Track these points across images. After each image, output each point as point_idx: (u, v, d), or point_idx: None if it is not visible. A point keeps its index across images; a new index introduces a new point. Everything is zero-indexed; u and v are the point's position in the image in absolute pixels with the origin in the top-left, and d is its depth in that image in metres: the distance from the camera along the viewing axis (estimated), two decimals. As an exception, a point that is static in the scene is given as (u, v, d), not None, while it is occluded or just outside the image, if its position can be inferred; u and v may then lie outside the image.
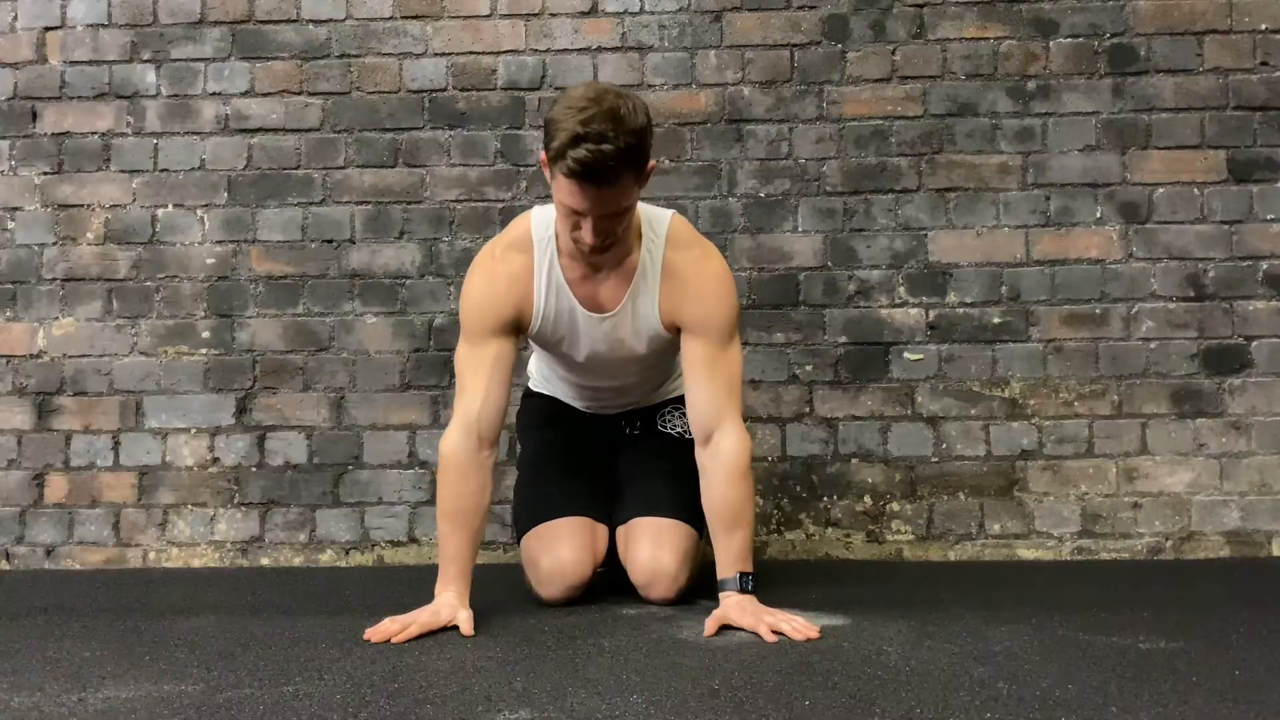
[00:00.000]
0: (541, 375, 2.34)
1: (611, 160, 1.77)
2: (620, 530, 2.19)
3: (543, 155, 1.85)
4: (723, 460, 1.95)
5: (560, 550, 2.10)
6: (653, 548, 2.10)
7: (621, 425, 2.32)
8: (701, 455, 1.99)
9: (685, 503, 2.10)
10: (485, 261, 2.04)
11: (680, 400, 2.27)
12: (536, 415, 2.36)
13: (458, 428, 1.96)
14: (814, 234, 2.73)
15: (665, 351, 2.11)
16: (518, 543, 2.20)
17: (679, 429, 2.27)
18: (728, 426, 1.96)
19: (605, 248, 1.91)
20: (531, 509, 2.20)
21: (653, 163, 1.88)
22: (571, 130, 1.77)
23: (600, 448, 2.30)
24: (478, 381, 1.97)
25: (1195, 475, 2.66)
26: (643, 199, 1.99)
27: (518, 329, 2.03)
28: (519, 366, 2.25)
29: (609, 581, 2.24)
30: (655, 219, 2.03)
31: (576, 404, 2.32)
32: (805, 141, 2.74)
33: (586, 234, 1.86)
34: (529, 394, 2.40)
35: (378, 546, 2.74)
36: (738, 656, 1.67)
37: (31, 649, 1.80)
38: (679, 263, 2.01)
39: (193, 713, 1.41)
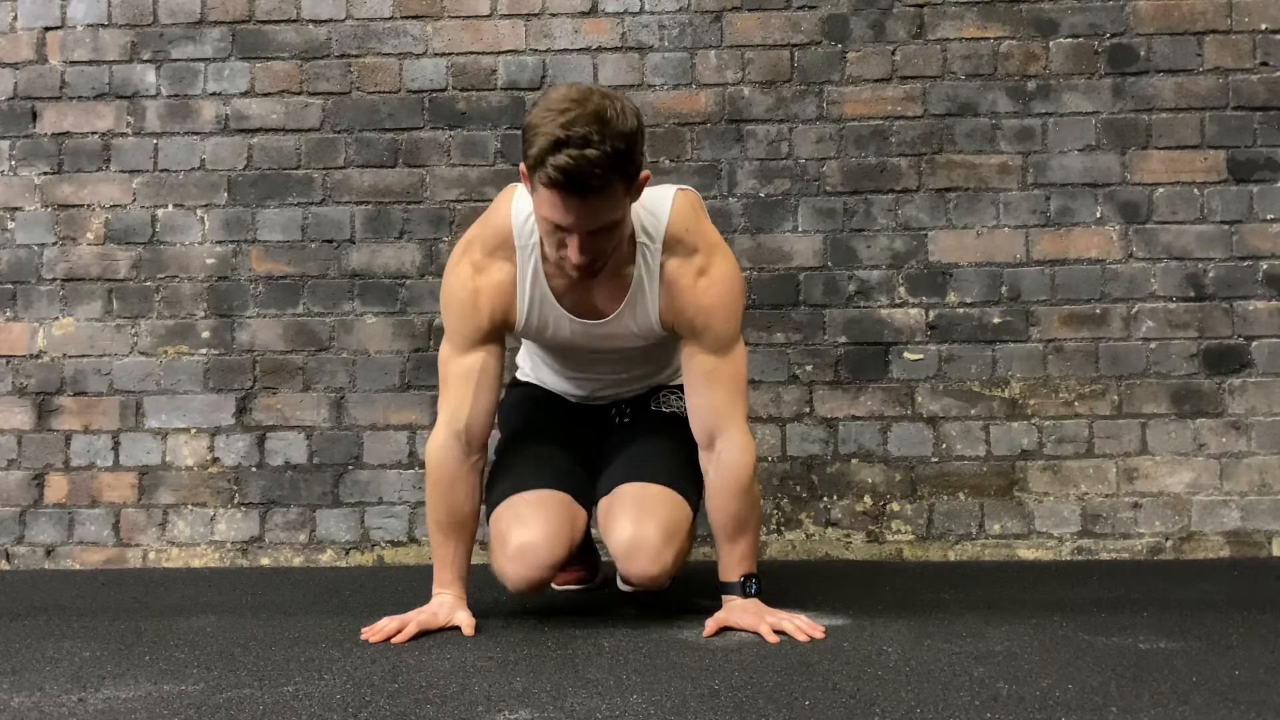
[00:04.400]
0: (530, 364, 2.18)
1: (598, 167, 1.59)
2: (603, 503, 1.98)
3: (522, 166, 1.68)
4: (724, 472, 1.86)
5: (533, 524, 1.88)
6: (636, 514, 1.89)
7: (611, 413, 2.13)
8: (704, 459, 1.89)
9: (678, 471, 1.94)
10: (464, 266, 1.88)
11: (676, 387, 2.11)
12: (520, 403, 2.17)
13: (444, 433, 1.87)
14: (814, 234, 2.73)
15: (667, 344, 1.99)
16: (486, 519, 1.98)
17: (674, 407, 2.08)
18: (730, 434, 1.86)
19: (594, 269, 1.74)
20: (505, 480, 1.98)
21: (646, 173, 1.72)
22: (551, 134, 1.59)
23: (586, 427, 2.12)
24: (464, 390, 1.87)
25: (1195, 475, 2.66)
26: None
27: (504, 330, 1.90)
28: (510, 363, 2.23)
29: (608, 581, 2.24)
30: (651, 220, 1.84)
31: (566, 393, 2.14)
32: (805, 141, 2.74)
33: (572, 252, 1.69)
34: (515, 383, 2.22)
35: (378, 546, 2.74)
36: (738, 656, 1.67)
37: (31, 649, 1.80)
38: (679, 275, 1.84)
39: (193, 713, 1.41)
